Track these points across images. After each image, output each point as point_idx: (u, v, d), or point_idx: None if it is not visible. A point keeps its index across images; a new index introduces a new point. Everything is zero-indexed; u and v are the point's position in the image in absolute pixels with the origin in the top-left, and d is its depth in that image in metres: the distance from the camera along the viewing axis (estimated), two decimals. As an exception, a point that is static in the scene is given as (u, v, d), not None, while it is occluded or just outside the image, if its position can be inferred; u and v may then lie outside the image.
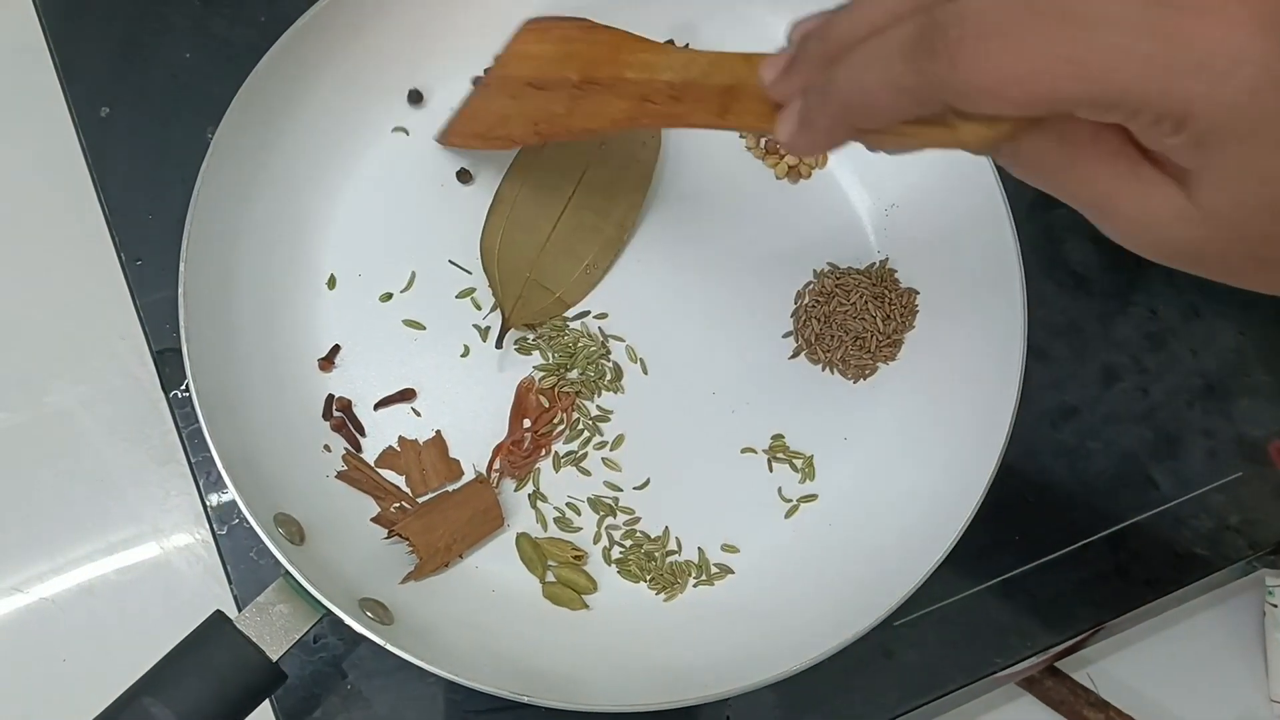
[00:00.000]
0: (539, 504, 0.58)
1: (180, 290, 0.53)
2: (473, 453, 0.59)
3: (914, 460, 0.59)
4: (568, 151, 0.61)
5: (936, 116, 0.33)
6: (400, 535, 0.55)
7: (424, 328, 0.60)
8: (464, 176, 0.63)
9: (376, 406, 0.58)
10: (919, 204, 0.63)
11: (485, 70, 0.61)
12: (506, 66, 0.58)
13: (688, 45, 0.63)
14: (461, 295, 0.61)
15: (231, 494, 0.50)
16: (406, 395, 0.59)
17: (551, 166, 0.61)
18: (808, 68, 0.38)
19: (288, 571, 0.48)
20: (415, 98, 0.63)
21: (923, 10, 0.32)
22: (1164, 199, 0.32)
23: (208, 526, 0.59)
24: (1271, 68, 0.28)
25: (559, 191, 0.61)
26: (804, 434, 0.61)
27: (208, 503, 0.59)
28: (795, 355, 0.62)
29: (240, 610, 0.55)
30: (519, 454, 0.58)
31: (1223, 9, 0.28)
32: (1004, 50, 0.30)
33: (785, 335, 0.62)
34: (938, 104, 0.32)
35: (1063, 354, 0.66)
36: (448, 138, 0.62)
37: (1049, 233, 0.67)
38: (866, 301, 0.61)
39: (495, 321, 0.60)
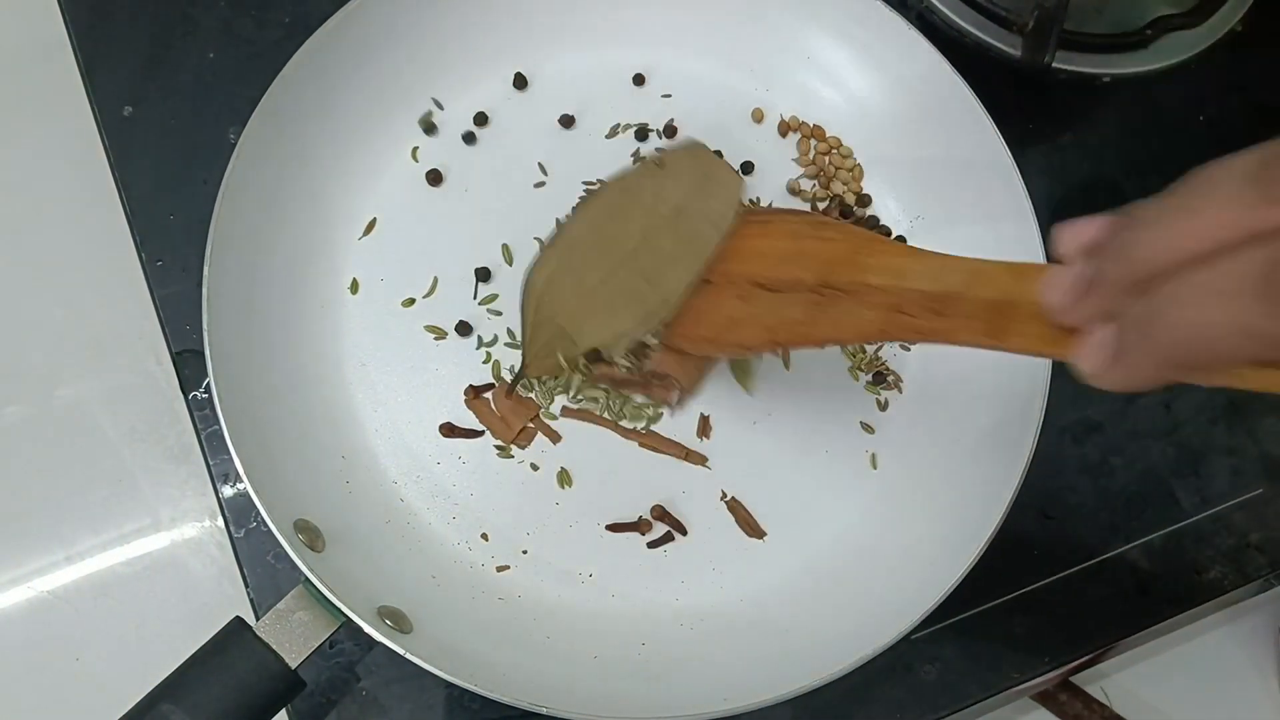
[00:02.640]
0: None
1: (204, 293, 0.53)
2: (499, 475, 0.59)
3: (936, 477, 0.59)
4: (638, 208, 0.58)
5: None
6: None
7: (445, 334, 0.60)
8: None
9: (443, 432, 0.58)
10: (945, 215, 0.63)
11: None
12: (729, 263, 0.54)
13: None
14: (484, 302, 0.61)
15: (250, 497, 0.49)
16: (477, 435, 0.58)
17: (620, 217, 0.58)
18: (1109, 293, 0.34)
19: (308, 579, 0.48)
20: (429, 129, 0.63)
21: (1264, 240, 0.29)
22: None
23: (224, 528, 0.59)
24: None
25: (619, 246, 0.57)
26: (828, 457, 0.61)
27: (225, 505, 0.59)
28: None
29: (258, 614, 0.56)
30: None
31: None
32: None
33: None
34: None
35: (1086, 369, 0.65)
36: (671, 339, 0.56)
37: (1073, 246, 0.67)
38: None
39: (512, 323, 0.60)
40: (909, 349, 0.62)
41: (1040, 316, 0.38)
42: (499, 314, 0.61)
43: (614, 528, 0.58)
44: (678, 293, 0.55)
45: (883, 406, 0.61)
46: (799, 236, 0.51)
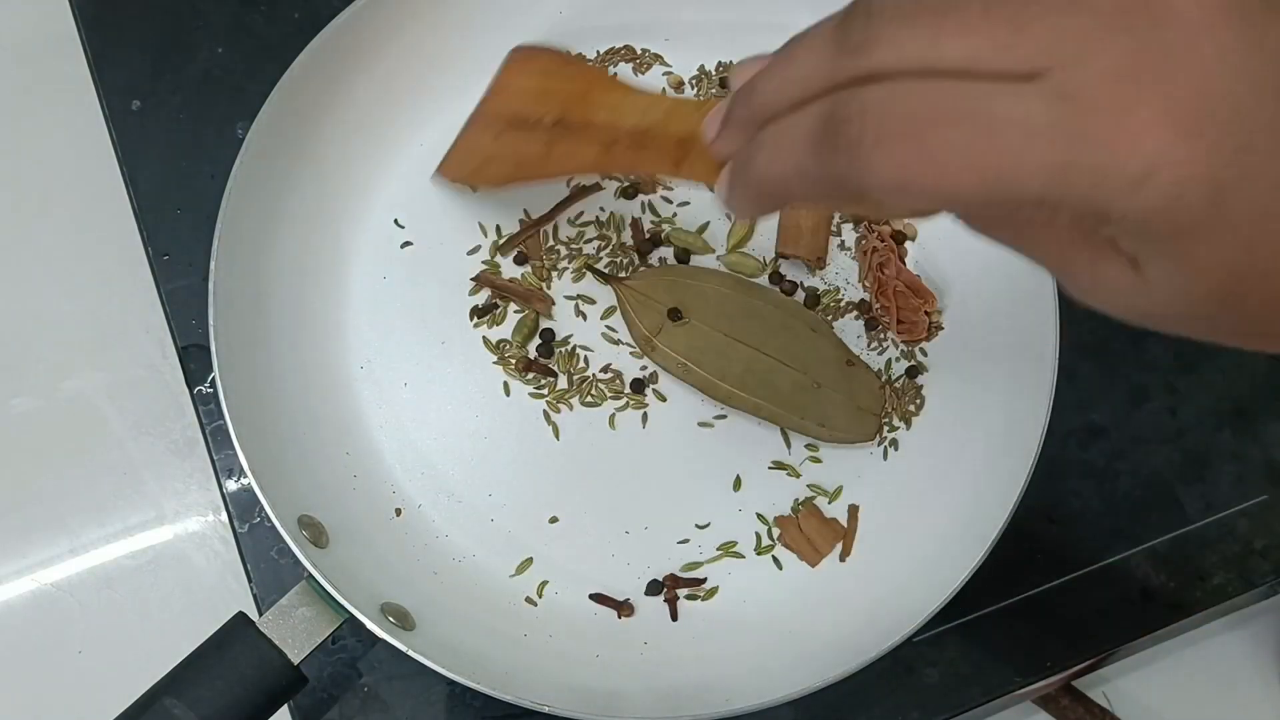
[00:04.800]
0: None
1: (210, 288, 0.53)
2: (504, 472, 0.59)
3: (940, 480, 0.59)
4: (824, 361, 0.60)
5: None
6: None
7: (452, 331, 0.60)
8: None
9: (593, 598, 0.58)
10: (950, 221, 0.62)
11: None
12: (493, 99, 0.58)
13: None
14: (486, 310, 0.61)
15: (254, 493, 0.50)
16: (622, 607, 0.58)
17: (808, 345, 0.60)
18: (737, 131, 0.36)
19: (311, 575, 0.48)
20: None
21: (831, 89, 0.30)
22: (1118, 274, 0.30)
23: (228, 523, 0.59)
24: (1191, 172, 0.26)
25: (790, 352, 0.60)
26: (833, 454, 0.61)
27: (229, 500, 0.59)
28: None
29: (261, 609, 0.56)
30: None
31: (1133, 110, 0.26)
32: (903, 152, 0.28)
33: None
34: (848, 194, 0.31)
35: (1091, 373, 0.65)
36: (445, 171, 0.62)
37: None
38: None
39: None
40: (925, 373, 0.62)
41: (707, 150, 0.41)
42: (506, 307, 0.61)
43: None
44: (736, 405, 0.59)
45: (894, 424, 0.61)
46: (549, 74, 0.55)
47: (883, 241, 0.62)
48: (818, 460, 0.60)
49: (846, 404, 0.59)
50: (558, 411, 0.60)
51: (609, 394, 0.60)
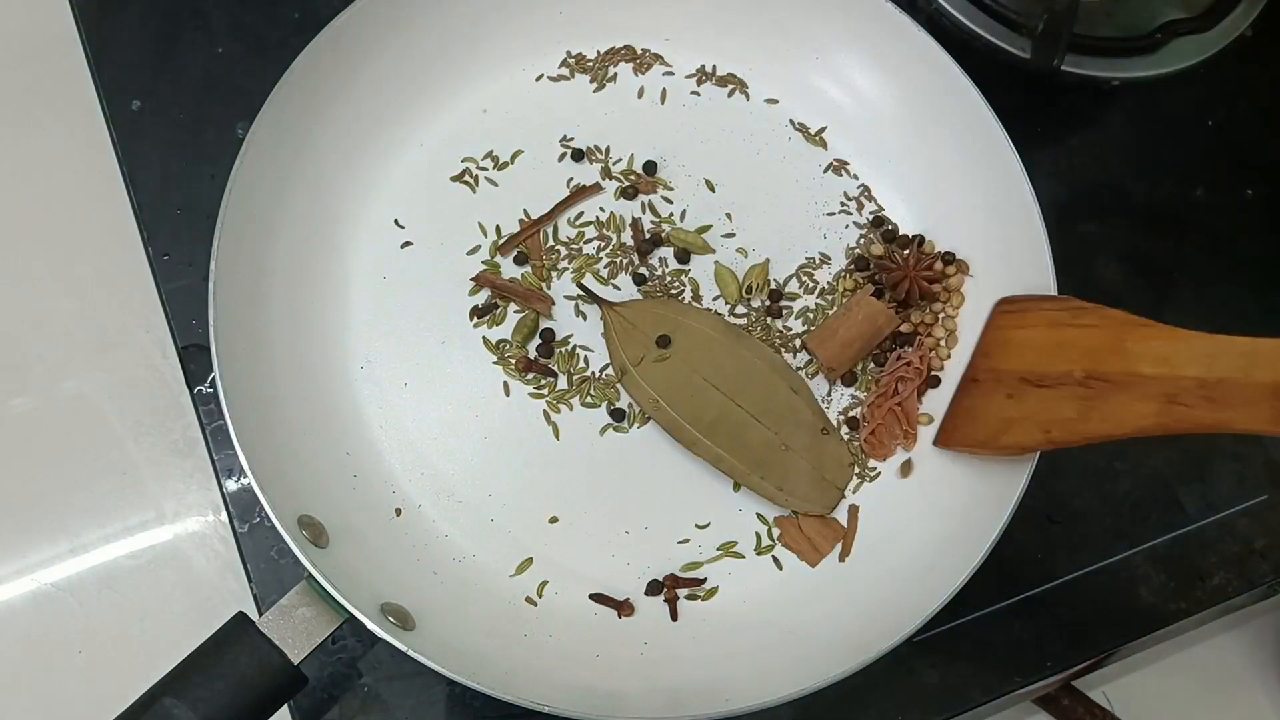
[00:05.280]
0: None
1: (210, 288, 0.53)
2: (504, 472, 0.59)
3: (940, 480, 0.58)
4: (798, 424, 0.59)
5: None
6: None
7: (451, 331, 0.60)
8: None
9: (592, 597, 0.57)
10: (952, 217, 0.63)
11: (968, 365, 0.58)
12: (993, 358, 0.54)
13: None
14: (487, 311, 0.61)
15: (254, 492, 0.49)
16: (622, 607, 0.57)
17: (785, 404, 0.59)
18: None
19: (311, 575, 0.48)
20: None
21: None
22: None
23: (228, 523, 0.59)
24: None
25: (766, 409, 0.59)
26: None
27: (229, 499, 0.59)
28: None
29: (261, 609, 0.56)
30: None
31: None
32: None
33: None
34: None
35: (1091, 373, 0.65)
36: (946, 441, 0.58)
37: (1080, 249, 0.67)
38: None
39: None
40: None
41: None
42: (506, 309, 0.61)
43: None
44: (700, 453, 0.58)
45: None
46: (1058, 325, 0.51)
47: (916, 371, 0.60)
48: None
49: (811, 472, 0.59)
50: (557, 411, 0.60)
51: (609, 394, 0.60)
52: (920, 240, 0.63)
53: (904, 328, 0.61)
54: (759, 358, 0.60)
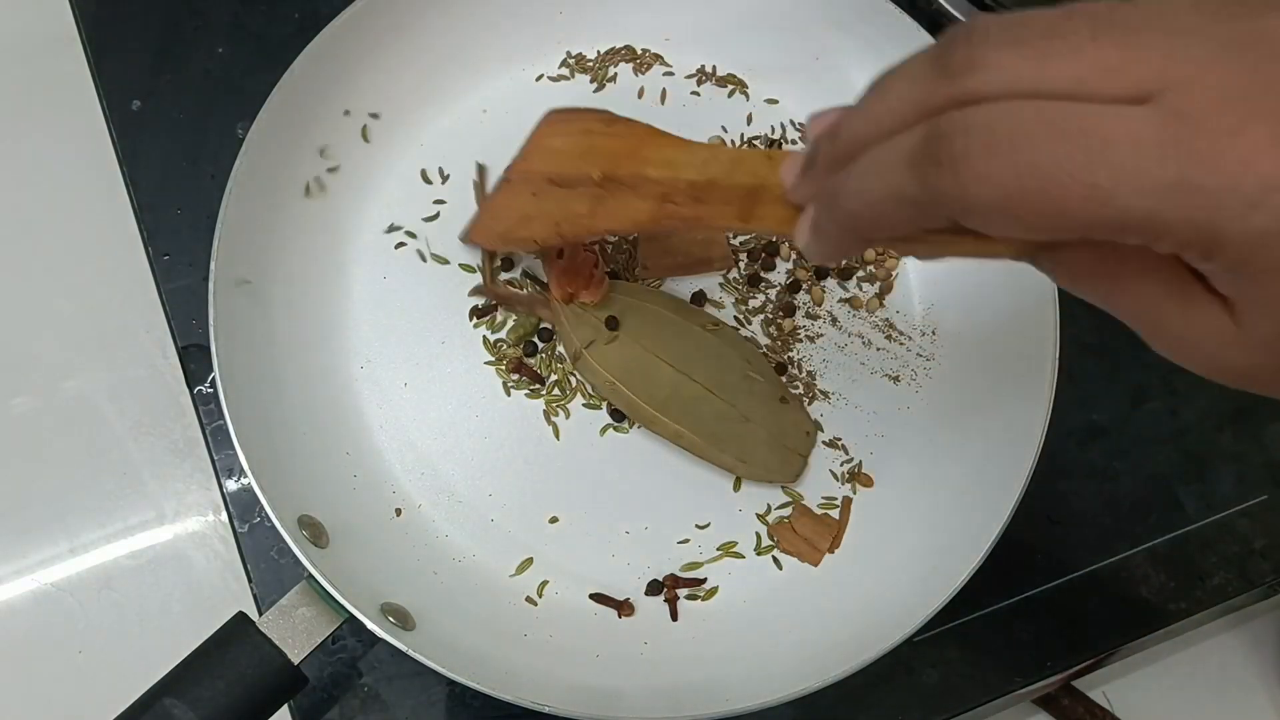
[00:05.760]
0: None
1: (210, 288, 0.53)
2: (504, 472, 0.59)
3: (940, 480, 0.58)
4: (722, 367, 0.59)
5: (953, 229, 0.31)
6: None
7: (446, 337, 0.60)
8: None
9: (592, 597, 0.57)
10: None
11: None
12: (529, 161, 0.56)
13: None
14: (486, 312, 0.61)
15: (254, 492, 0.50)
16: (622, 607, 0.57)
17: (706, 353, 0.59)
18: (820, 171, 0.36)
19: (311, 575, 0.48)
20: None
21: (930, 115, 0.30)
22: (1211, 322, 0.29)
23: (228, 523, 0.59)
24: None
25: (721, 382, 0.59)
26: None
27: (229, 499, 0.59)
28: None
29: (261, 609, 0.56)
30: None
31: (1247, 131, 0.26)
32: (1010, 166, 0.27)
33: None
34: (946, 220, 0.30)
35: (1092, 373, 0.65)
36: (470, 236, 0.60)
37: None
38: None
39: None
40: (926, 378, 0.62)
41: (783, 199, 0.40)
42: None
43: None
44: (658, 430, 0.58)
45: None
46: (592, 133, 0.53)
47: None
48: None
49: (772, 442, 0.59)
50: (556, 415, 0.60)
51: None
52: (780, 144, 0.65)
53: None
54: (713, 333, 0.60)
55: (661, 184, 0.47)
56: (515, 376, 0.60)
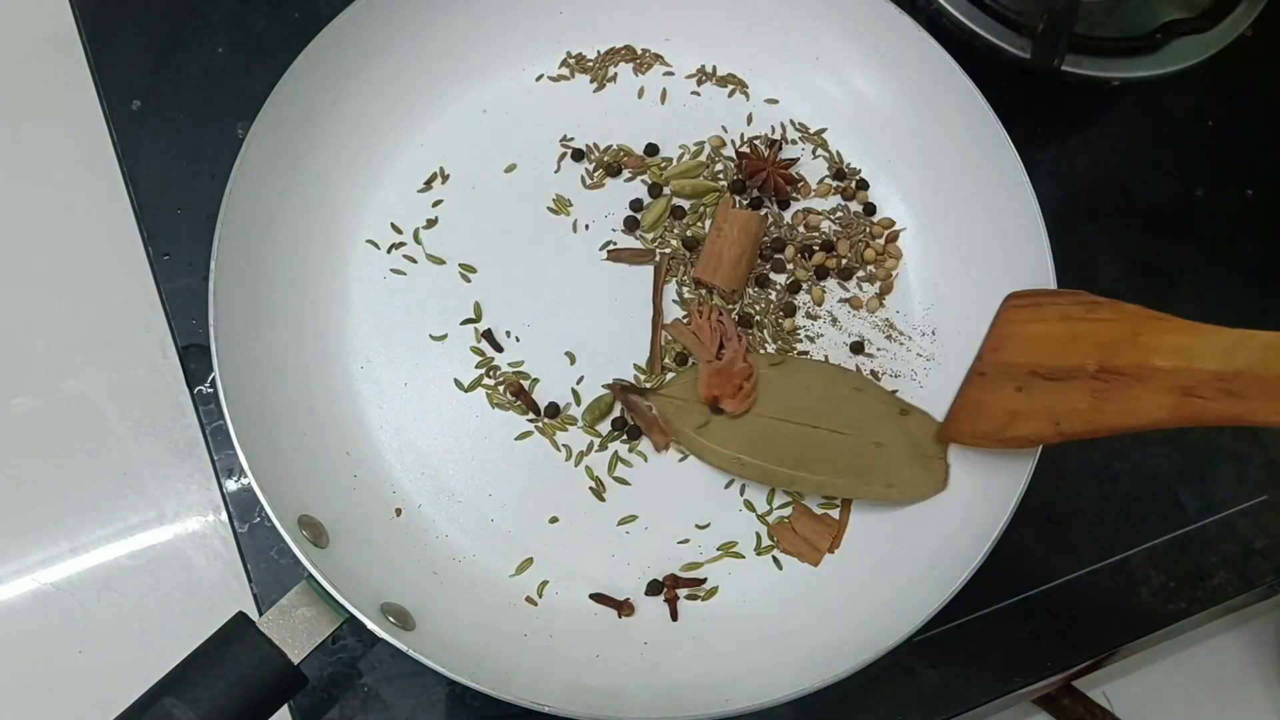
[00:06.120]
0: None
1: (210, 288, 0.53)
2: (504, 472, 0.59)
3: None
4: (853, 413, 0.58)
5: None
6: None
7: (446, 336, 0.60)
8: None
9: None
10: (953, 217, 0.63)
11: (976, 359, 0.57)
12: (1002, 351, 0.54)
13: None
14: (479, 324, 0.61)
15: (254, 493, 0.50)
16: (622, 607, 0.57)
17: (837, 402, 0.58)
18: None
19: (311, 575, 0.48)
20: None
21: None
22: None
23: (228, 523, 0.59)
24: None
25: (806, 410, 0.58)
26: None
27: (229, 499, 0.59)
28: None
29: (261, 609, 0.56)
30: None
31: None
32: None
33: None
34: None
35: (1092, 373, 0.65)
36: (951, 434, 0.57)
37: (1080, 249, 0.67)
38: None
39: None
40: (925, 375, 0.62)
41: None
42: (501, 310, 0.61)
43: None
44: (801, 488, 0.57)
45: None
46: (1071, 319, 0.50)
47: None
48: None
49: (911, 456, 0.57)
50: (554, 435, 0.60)
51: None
52: (780, 145, 0.65)
53: (830, 262, 0.63)
54: (812, 374, 0.60)
55: (1177, 375, 0.44)
56: (512, 399, 0.59)
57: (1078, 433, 0.50)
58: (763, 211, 0.64)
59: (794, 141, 0.66)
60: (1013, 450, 0.54)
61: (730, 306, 0.61)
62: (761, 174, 0.63)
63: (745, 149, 0.65)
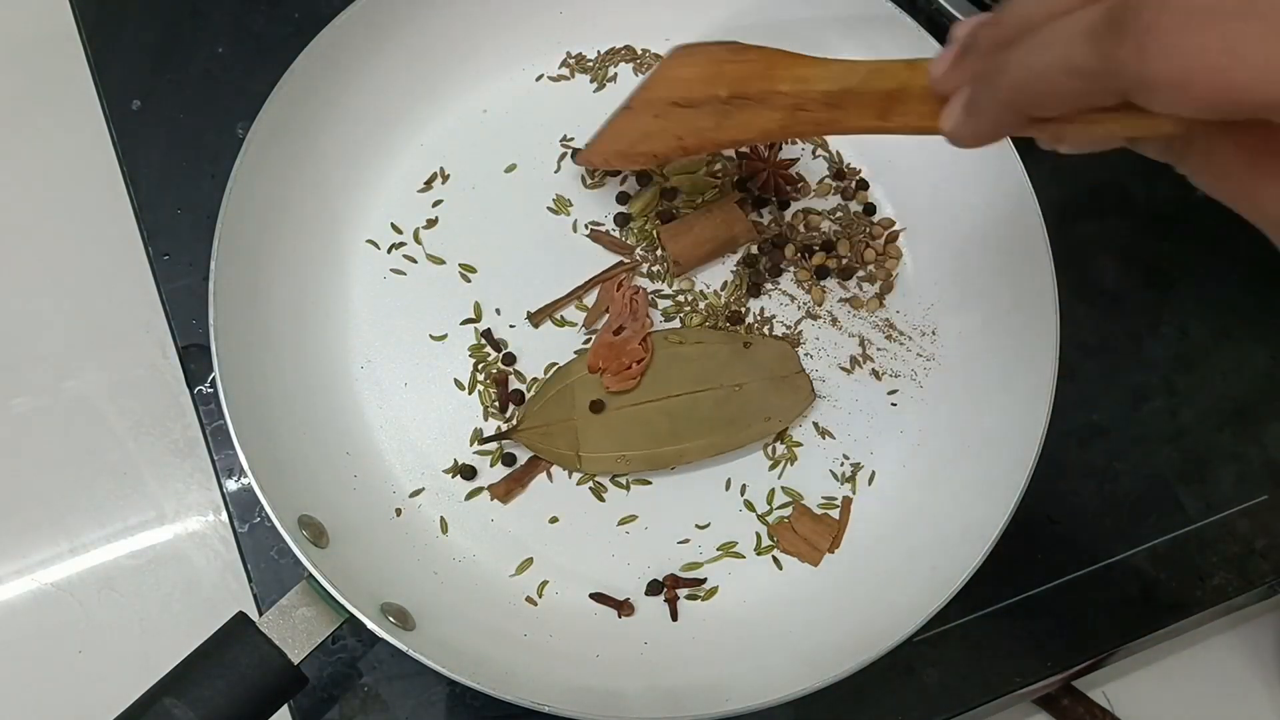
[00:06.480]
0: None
1: (210, 288, 0.53)
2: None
3: (941, 480, 0.58)
4: (704, 365, 0.59)
5: (1114, 108, 0.31)
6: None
7: (446, 336, 0.60)
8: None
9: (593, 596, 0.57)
10: (951, 217, 0.63)
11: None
12: (652, 89, 0.56)
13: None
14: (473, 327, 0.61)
15: (254, 492, 0.49)
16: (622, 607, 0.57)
17: (682, 363, 0.59)
18: (979, 56, 0.36)
19: (311, 575, 0.48)
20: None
21: None
22: None
23: (228, 523, 0.59)
24: None
25: (664, 385, 0.58)
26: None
27: (229, 499, 0.59)
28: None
29: (261, 609, 0.56)
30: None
31: None
32: (1203, 40, 0.27)
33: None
34: (1116, 94, 0.30)
35: (1092, 373, 0.65)
36: (588, 156, 0.60)
37: (1080, 249, 0.67)
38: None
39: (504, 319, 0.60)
40: (927, 376, 0.62)
41: (925, 96, 0.41)
42: (499, 313, 0.61)
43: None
44: (690, 457, 0.58)
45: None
46: (719, 61, 0.53)
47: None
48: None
49: (772, 383, 0.59)
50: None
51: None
52: (780, 145, 0.66)
53: (830, 262, 0.63)
54: (673, 341, 0.60)
55: (793, 96, 0.48)
56: (493, 395, 0.59)
57: (699, 147, 0.54)
58: (767, 220, 0.64)
59: (794, 141, 0.66)
60: (637, 166, 0.60)
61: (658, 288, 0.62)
62: (762, 174, 0.63)
63: (745, 149, 0.65)
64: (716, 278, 0.63)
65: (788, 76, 0.49)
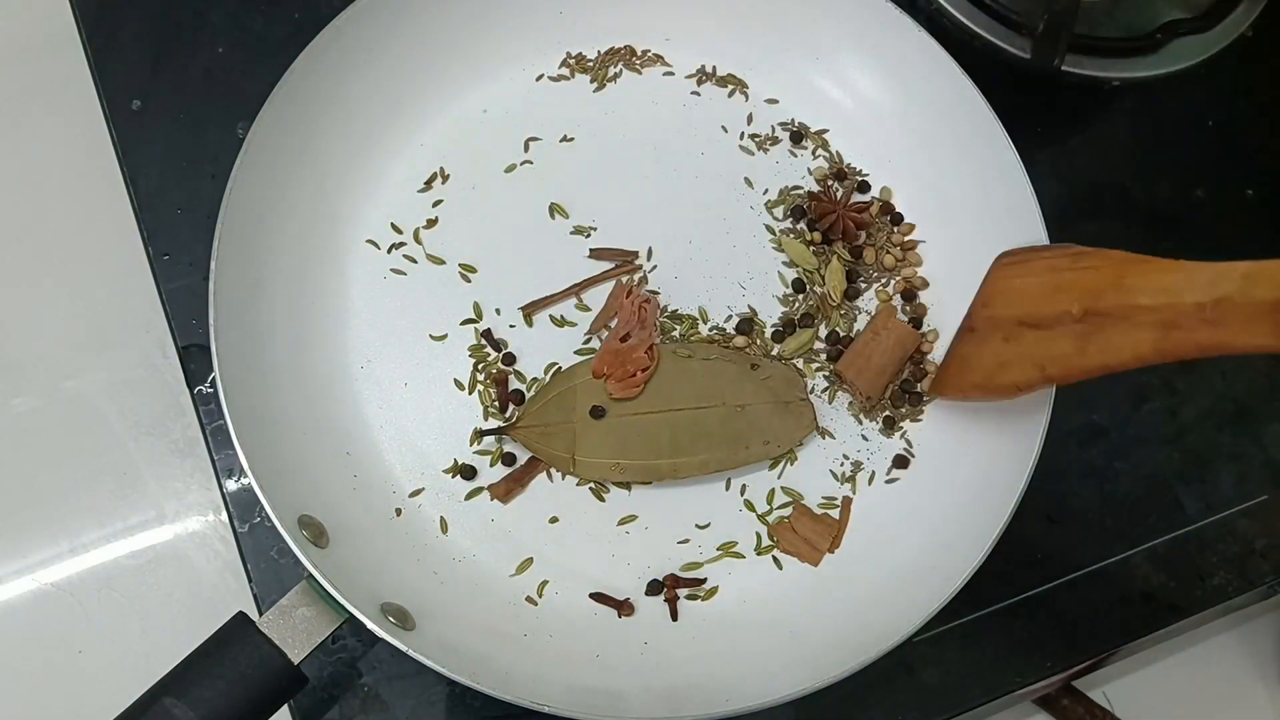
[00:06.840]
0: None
1: (210, 288, 0.53)
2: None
3: (940, 480, 0.59)
4: (709, 383, 0.58)
5: None
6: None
7: (446, 336, 0.60)
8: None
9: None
10: (953, 216, 0.63)
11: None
12: (991, 306, 0.54)
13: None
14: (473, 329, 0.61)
15: (254, 492, 0.49)
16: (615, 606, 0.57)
17: (688, 378, 0.59)
18: None
19: (311, 575, 0.48)
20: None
21: None
22: None
23: (228, 523, 0.59)
24: None
25: (668, 398, 0.58)
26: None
27: (229, 499, 0.59)
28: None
29: (261, 609, 0.56)
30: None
31: None
32: None
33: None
34: None
35: (1092, 373, 0.65)
36: (940, 388, 0.59)
37: (1080, 249, 0.67)
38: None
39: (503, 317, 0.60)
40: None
41: None
42: (499, 313, 0.61)
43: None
44: (686, 473, 0.57)
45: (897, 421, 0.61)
46: (1057, 270, 0.50)
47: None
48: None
49: (775, 407, 0.58)
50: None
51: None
52: (855, 184, 0.64)
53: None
54: (667, 362, 0.59)
55: (1158, 311, 0.44)
56: (493, 395, 0.59)
57: (1065, 376, 0.50)
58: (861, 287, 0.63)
59: (864, 189, 0.66)
60: (999, 399, 0.55)
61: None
62: (831, 216, 0.62)
63: (819, 188, 0.64)
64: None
65: (1145, 287, 0.45)
